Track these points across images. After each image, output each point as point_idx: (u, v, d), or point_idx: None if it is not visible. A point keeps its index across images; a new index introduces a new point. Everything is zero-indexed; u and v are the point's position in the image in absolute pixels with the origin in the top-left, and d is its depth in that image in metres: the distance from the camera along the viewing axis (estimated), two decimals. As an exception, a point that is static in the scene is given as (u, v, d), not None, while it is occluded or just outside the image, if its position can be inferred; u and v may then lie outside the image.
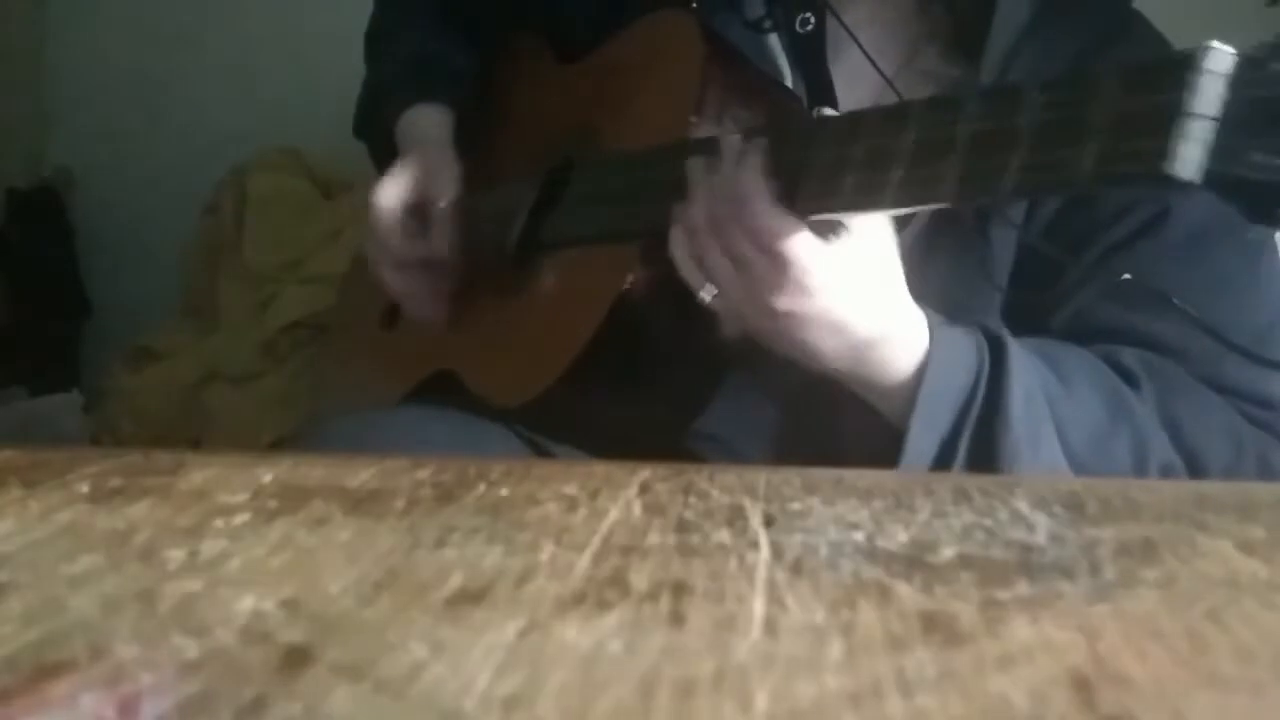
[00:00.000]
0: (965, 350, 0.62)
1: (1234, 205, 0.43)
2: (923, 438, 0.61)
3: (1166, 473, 0.65)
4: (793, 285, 0.57)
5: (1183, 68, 0.42)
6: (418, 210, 0.84)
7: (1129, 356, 0.68)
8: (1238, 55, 0.42)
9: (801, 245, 0.57)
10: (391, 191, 0.83)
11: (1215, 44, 0.42)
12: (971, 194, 0.52)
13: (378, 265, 0.86)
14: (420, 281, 0.86)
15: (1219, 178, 0.42)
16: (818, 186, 0.57)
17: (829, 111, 0.64)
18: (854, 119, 0.58)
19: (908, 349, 0.61)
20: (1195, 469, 0.65)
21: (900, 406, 0.62)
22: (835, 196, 0.56)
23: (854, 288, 0.59)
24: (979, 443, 0.61)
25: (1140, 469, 0.64)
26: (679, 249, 0.62)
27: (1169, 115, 0.42)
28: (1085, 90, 0.46)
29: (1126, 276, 0.68)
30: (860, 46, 0.72)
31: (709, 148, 0.65)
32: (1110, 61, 0.46)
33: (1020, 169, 0.48)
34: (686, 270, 0.62)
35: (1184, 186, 0.42)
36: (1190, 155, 0.42)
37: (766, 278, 0.58)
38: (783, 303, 0.58)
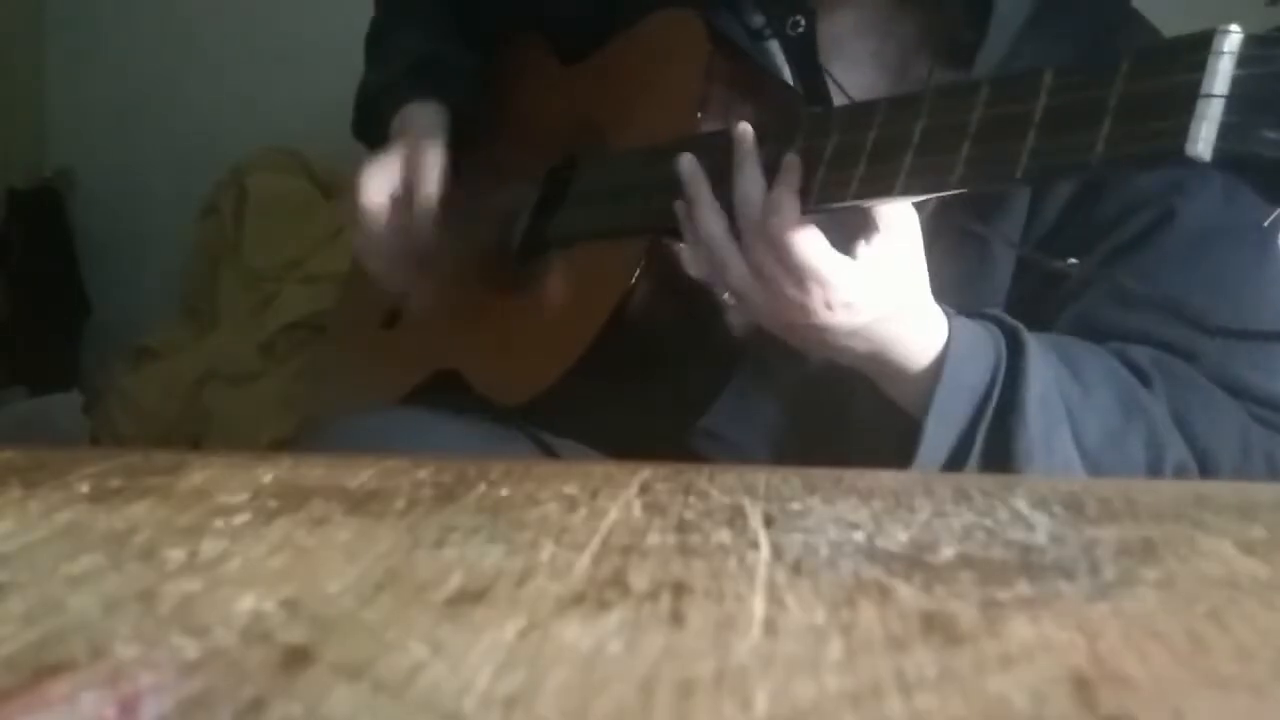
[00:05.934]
0: (983, 345, 0.63)
1: (1248, 184, 0.44)
2: (939, 432, 0.61)
3: (1180, 472, 0.65)
4: (816, 302, 0.58)
5: (1197, 49, 0.43)
6: (403, 201, 0.83)
7: (1140, 354, 0.67)
8: (1249, 36, 0.42)
9: (828, 264, 0.58)
10: (374, 184, 0.83)
11: (1227, 26, 0.43)
12: (982, 180, 0.52)
13: (363, 255, 0.86)
14: (408, 273, 0.85)
15: (1233, 157, 0.42)
16: (829, 176, 0.57)
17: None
18: (865, 108, 0.58)
19: (926, 348, 0.62)
20: (1205, 467, 0.65)
21: (918, 400, 0.62)
22: (846, 186, 0.56)
23: (877, 298, 0.59)
24: (995, 438, 0.61)
25: (1155, 467, 0.64)
26: (694, 261, 0.63)
27: (1185, 96, 0.43)
28: (1098, 73, 0.46)
29: (1094, 271, 0.68)
30: (832, 69, 0.72)
31: (712, 144, 0.65)
32: (1123, 45, 0.46)
33: (1033, 153, 0.48)
34: (704, 275, 0.63)
35: (1201, 166, 0.42)
36: (1206, 135, 0.42)
37: (790, 292, 0.58)
38: (805, 316, 0.59)
